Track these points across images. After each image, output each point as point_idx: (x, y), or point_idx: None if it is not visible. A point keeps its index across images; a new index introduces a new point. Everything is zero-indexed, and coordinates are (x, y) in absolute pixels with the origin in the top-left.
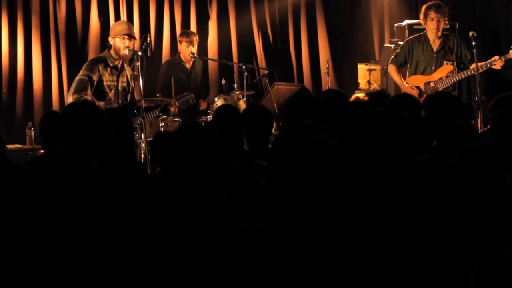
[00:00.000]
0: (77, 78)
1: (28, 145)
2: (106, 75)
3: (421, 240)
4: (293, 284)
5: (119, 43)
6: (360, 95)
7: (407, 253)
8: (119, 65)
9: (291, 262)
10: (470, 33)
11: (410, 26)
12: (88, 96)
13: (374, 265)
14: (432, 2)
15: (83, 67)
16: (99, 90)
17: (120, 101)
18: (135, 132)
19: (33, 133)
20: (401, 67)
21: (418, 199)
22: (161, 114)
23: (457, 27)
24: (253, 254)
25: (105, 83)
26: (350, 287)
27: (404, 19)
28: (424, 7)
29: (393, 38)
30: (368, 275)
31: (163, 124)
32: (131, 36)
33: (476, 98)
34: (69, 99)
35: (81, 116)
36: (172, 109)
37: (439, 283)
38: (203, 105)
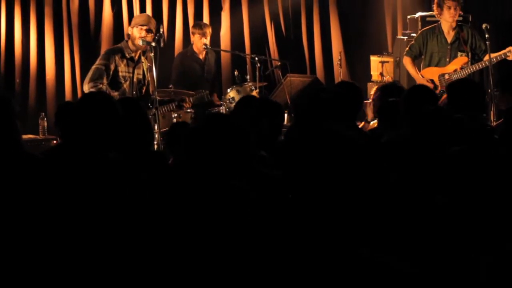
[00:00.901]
0: (93, 66)
1: (41, 136)
2: (122, 65)
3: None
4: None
5: (136, 33)
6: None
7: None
8: (136, 57)
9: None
10: (483, 26)
11: (423, 18)
12: (104, 85)
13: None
14: None
15: (100, 56)
16: (114, 81)
17: (134, 92)
18: None
19: (46, 124)
20: (416, 59)
21: (452, 189)
22: (174, 108)
23: (470, 20)
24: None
25: (120, 74)
26: (368, 274)
27: (417, 11)
28: None
29: (406, 30)
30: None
31: (175, 115)
32: (149, 29)
33: (489, 91)
34: (85, 87)
35: (95, 107)
36: (186, 105)
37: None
38: (216, 100)
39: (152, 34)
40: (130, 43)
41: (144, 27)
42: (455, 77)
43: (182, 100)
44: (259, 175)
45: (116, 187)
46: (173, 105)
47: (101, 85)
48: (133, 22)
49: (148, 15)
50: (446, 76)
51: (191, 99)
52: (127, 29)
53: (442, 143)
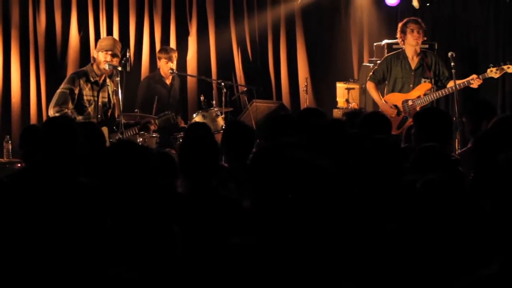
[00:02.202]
0: (58, 90)
1: (5, 159)
2: (87, 89)
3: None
4: None
5: (101, 57)
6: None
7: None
8: (101, 81)
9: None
10: (449, 54)
11: (389, 45)
12: (69, 110)
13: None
14: (408, 18)
15: (65, 80)
16: (79, 104)
17: (99, 116)
18: None
19: (10, 147)
20: (379, 84)
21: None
22: (138, 131)
23: (436, 47)
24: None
25: (85, 98)
26: None
27: (383, 39)
28: (400, 24)
29: (372, 57)
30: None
31: (141, 139)
32: (114, 54)
33: (454, 118)
34: (50, 111)
35: (58, 132)
36: (152, 127)
37: None
38: (181, 122)
39: (118, 58)
40: (95, 66)
41: (109, 52)
42: (418, 103)
43: (148, 123)
44: (223, 200)
45: (84, 212)
46: (138, 128)
47: (66, 110)
48: (98, 46)
49: (113, 39)
50: (410, 102)
51: (156, 121)
52: (93, 52)
53: (395, 172)
